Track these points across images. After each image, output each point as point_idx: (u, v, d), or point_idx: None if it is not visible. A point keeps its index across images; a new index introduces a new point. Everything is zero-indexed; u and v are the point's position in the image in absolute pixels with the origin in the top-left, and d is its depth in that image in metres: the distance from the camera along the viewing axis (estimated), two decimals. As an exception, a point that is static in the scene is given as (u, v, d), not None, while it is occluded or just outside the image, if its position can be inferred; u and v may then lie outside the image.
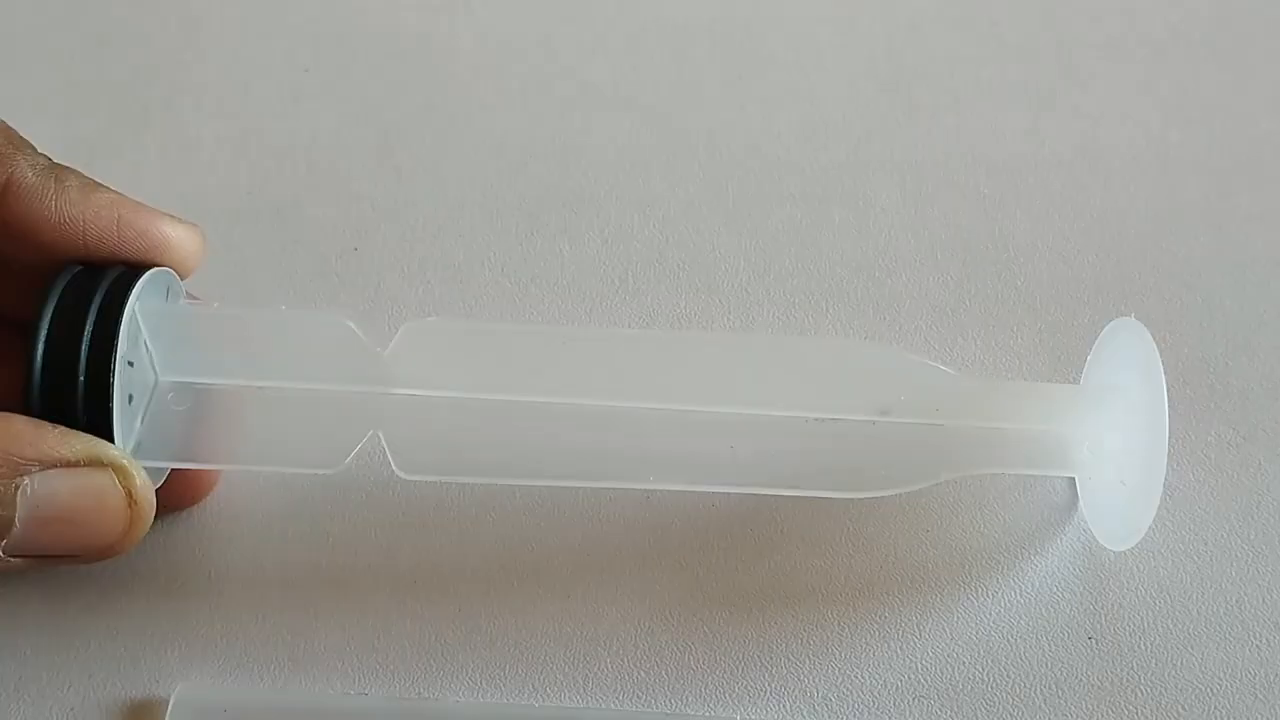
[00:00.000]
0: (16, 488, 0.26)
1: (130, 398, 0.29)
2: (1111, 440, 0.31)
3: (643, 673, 0.31)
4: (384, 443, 0.30)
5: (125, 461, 0.28)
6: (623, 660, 0.31)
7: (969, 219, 0.40)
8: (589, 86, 0.44)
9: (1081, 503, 0.33)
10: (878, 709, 0.31)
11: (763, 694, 0.31)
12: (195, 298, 0.33)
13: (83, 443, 0.27)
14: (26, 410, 0.28)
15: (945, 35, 0.46)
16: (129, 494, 0.28)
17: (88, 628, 0.32)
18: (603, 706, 0.31)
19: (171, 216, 0.31)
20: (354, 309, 0.38)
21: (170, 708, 0.30)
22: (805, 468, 0.31)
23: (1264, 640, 0.31)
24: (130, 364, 0.29)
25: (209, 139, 0.43)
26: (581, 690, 0.31)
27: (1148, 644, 0.31)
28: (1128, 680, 0.31)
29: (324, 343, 0.30)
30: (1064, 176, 0.41)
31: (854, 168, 0.42)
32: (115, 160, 0.42)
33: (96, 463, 0.28)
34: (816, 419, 0.30)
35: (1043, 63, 0.45)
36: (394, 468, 0.30)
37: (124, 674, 0.31)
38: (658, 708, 0.31)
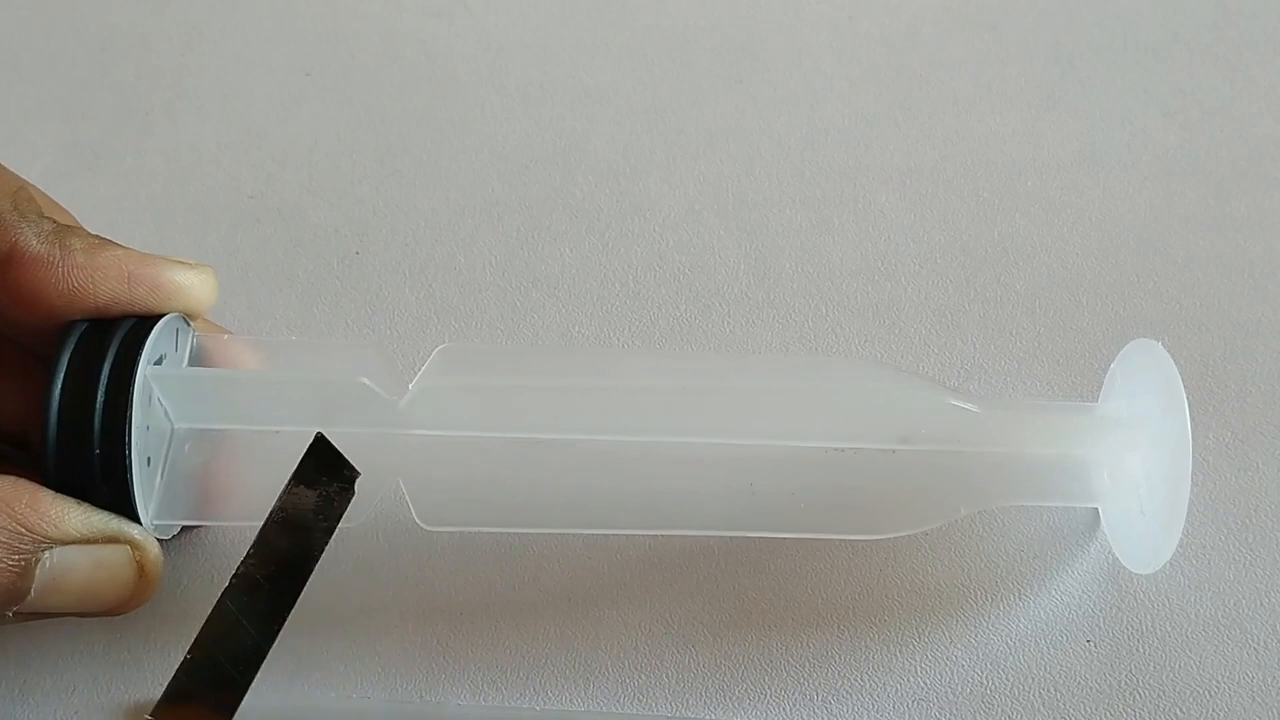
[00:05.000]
0: (36, 561, 0.27)
1: (149, 460, 0.29)
2: (1132, 465, 0.31)
3: (643, 676, 0.31)
4: (405, 494, 0.30)
5: (142, 539, 0.28)
6: (623, 664, 0.31)
7: (968, 222, 0.40)
8: (589, 91, 0.45)
9: (1104, 525, 0.33)
10: (877, 712, 0.31)
11: (763, 698, 0.31)
12: (206, 321, 0.32)
13: (102, 520, 0.28)
14: (45, 476, 0.27)
15: (945, 39, 0.46)
16: (141, 567, 0.28)
17: (91, 632, 0.32)
18: (603, 710, 0.31)
19: (181, 262, 0.30)
20: (355, 312, 0.38)
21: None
22: (825, 505, 0.31)
23: (1261, 643, 0.31)
24: (147, 427, 0.28)
25: (211, 143, 0.43)
26: (582, 694, 0.31)
27: (1145, 647, 0.31)
28: (1125, 683, 0.31)
29: (339, 399, 0.30)
30: (1063, 180, 0.41)
31: (853, 171, 0.42)
32: (118, 165, 0.42)
33: (115, 540, 0.28)
34: (837, 449, 0.30)
35: (1042, 66, 0.45)
36: (415, 519, 0.30)
37: (127, 678, 0.31)
38: (658, 711, 0.31)
